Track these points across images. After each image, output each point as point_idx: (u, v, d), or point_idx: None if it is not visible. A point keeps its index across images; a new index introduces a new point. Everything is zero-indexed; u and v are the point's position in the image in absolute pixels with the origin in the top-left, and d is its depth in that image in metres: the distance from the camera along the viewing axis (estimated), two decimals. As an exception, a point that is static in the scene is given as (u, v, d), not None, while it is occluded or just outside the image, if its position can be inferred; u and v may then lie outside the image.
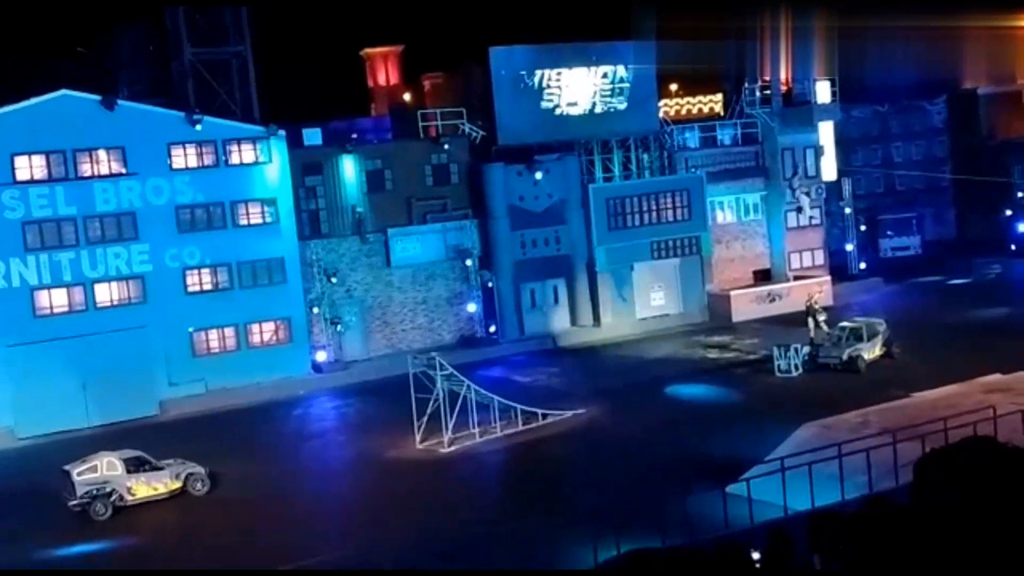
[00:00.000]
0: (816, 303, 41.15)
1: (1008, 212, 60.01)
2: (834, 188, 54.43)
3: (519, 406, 32.94)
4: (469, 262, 45.93)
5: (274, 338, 42.56)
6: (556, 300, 48.00)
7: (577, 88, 48.35)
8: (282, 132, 42.62)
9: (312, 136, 44.99)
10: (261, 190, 42.36)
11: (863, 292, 51.53)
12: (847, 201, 54.94)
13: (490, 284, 46.24)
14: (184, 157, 41.31)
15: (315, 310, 43.46)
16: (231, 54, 45.36)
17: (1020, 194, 59.58)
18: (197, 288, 41.57)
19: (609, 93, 48.93)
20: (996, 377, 32.80)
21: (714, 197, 51.06)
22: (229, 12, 45.14)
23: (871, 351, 37.32)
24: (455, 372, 32.00)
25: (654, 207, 48.98)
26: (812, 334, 39.28)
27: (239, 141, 42.11)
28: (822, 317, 40.36)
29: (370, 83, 65.25)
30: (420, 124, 47.19)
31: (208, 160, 41.60)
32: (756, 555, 13.82)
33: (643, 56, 49.47)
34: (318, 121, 46.87)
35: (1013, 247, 58.43)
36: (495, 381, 37.88)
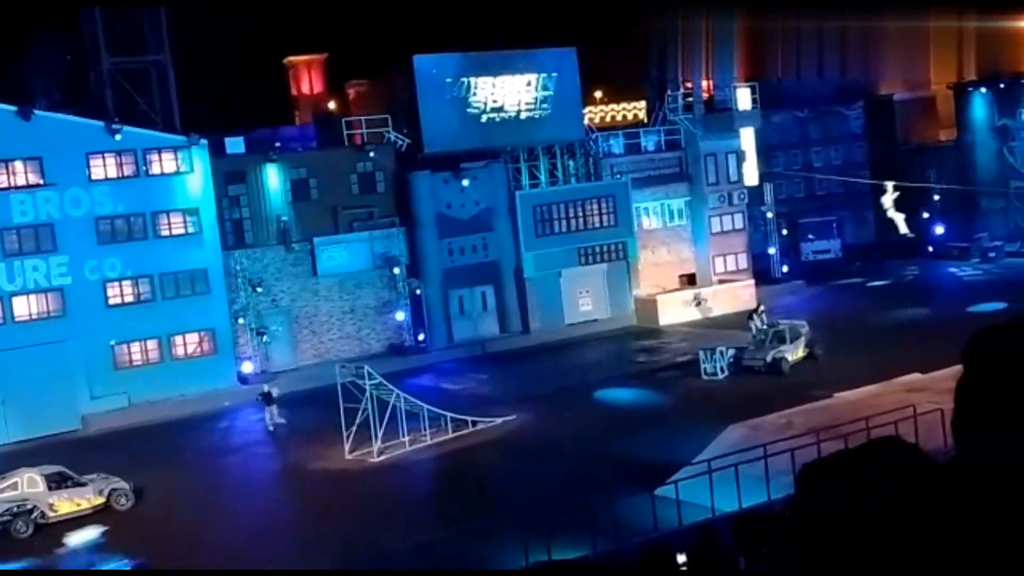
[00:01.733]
0: (762, 312, 41.34)
1: (925, 215, 61.45)
2: (756, 193, 55.27)
3: (449, 414, 32.89)
4: (397, 270, 45.77)
5: (198, 350, 41.97)
6: (485, 307, 48.07)
7: (502, 95, 48.50)
8: (204, 141, 42.08)
9: (235, 145, 44.46)
10: (183, 200, 41.77)
11: (786, 295, 52.38)
12: (769, 206, 55.81)
13: (418, 292, 46.12)
14: (103, 167, 40.59)
15: (240, 321, 42.94)
16: (150, 63, 44.64)
17: (936, 197, 61.04)
18: (118, 300, 40.83)
19: (534, 100, 49.16)
20: (915, 376, 33.54)
21: (639, 203, 51.55)
22: (148, 20, 44.43)
23: (794, 353, 37.92)
24: (384, 381, 31.84)
25: (581, 213, 49.32)
26: (753, 333, 39.44)
27: (160, 150, 41.51)
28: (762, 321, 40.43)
29: (293, 91, 64.75)
30: (345, 132, 46.95)
31: (128, 170, 40.93)
32: (682, 558, 13.98)
33: (567, 64, 49.83)
34: (241, 130, 46.32)
35: (930, 249, 59.84)
36: (425, 389, 37.78)
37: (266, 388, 36.91)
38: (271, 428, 35.98)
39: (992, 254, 57.19)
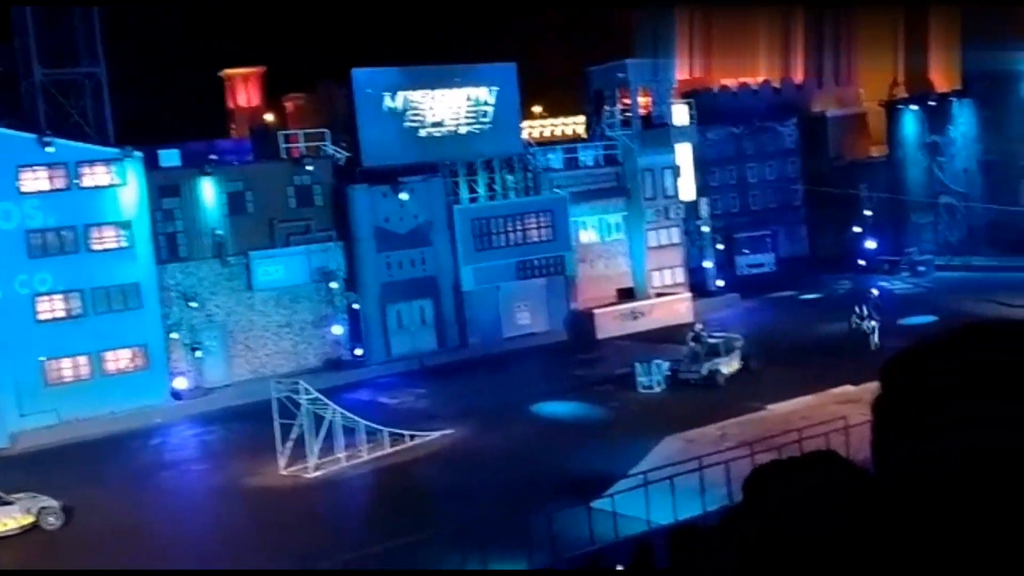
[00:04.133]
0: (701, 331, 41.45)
1: (856, 229, 62.49)
2: (692, 208, 55.84)
3: (386, 428, 32.75)
4: (334, 284, 45.50)
5: (130, 365, 41.33)
6: (423, 321, 47.94)
7: (441, 110, 48.53)
8: (138, 154, 41.57)
9: (169, 157, 43.97)
10: (116, 213, 41.18)
11: (721, 308, 52.88)
12: (705, 220, 56.38)
13: (356, 306, 45.88)
14: (35, 180, 39.89)
15: (174, 336, 42.38)
16: (84, 74, 44.00)
17: (867, 212, 62.12)
18: (49, 315, 40.10)
19: (473, 115, 49.25)
20: (847, 388, 34.01)
21: (577, 217, 51.82)
22: (82, 31, 43.82)
23: (729, 365, 38.31)
24: (320, 396, 31.62)
25: (519, 228, 49.43)
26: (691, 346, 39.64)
27: (92, 163, 40.91)
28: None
29: (230, 104, 64.26)
30: (282, 145, 46.67)
31: (60, 183, 40.27)
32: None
33: (506, 78, 50.04)
34: (175, 142, 45.86)
35: (861, 263, 60.84)
36: (362, 404, 37.58)
37: None
38: None
39: (922, 268, 58.26)
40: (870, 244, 61.22)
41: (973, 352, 1.15)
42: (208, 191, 44.08)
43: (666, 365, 38.34)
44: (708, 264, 56.01)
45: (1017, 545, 0.92)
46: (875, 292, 44.59)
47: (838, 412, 28.89)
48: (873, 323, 40.97)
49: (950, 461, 1.01)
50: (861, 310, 42.45)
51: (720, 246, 59.30)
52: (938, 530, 0.96)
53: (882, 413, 1.27)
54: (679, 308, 51.12)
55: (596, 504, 24.02)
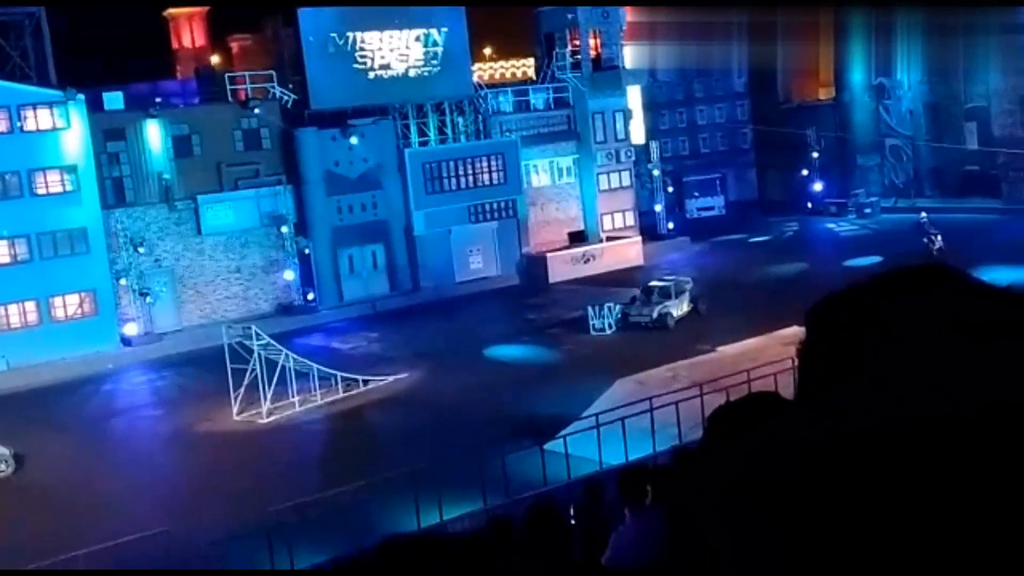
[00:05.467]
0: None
1: (804, 172, 63.07)
2: (642, 151, 55.99)
3: (339, 373, 32.82)
4: (284, 228, 45.20)
5: (79, 311, 40.94)
6: (375, 265, 47.84)
7: (390, 51, 48.03)
8: (81, 96, 40.82)
9: (113, 100, 43.22)
10: (60, 157, 40.51)
11: (671, 251, 53.32)
12: (655, 163, 56.57)
13: (307, 251, 45.65)
14: (-26, 123, 39.11)
15: (122, 281, 41.97)
16: (23, 14, 42.98)
17: (815, 155, 62.66)
18: (-7, 261, 39.57)
19: (422, 57, 48.81)
20: (794, 330, 34.46)
21: (528, 160, 51.78)
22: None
23: (679, 308, 38.75)
24: (272, 341, 31.58)
25: (470, 171, 49.31)
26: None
27: (35, 106, 40.14)
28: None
29: (174, 45, 62.98)
30: (228, 87, 46.01)
31: (1, 126, 39.50)
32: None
33: (456, 19, 49.57)
34: (119, 84, 45.05)
35: (809, 205, 61.50)
36: (315, 349, 37.59)
37: None
38: None
39: (868, 210, 59.03)
40: (817, 187, 61.81)
41: (899, 297, 1.17)
42: (154, 134, 43.43)
43: (617, 308, 38.69)
44: (658, 207, 56.32)
45: (953, 492, 0.95)
46: (924, 215, 49.17)
47: (786, 353, 29.33)
48: (937, 237, 44.59)
49: (874, 409, 1.04)
50: (928, 228, 46.10)
51: (670, 189, 59.60)
52: (867, 485, 0.99)
53: (807, 359, 1.29)
54: (630, 251, 51.46)
55: (549, 446, 24.34)
